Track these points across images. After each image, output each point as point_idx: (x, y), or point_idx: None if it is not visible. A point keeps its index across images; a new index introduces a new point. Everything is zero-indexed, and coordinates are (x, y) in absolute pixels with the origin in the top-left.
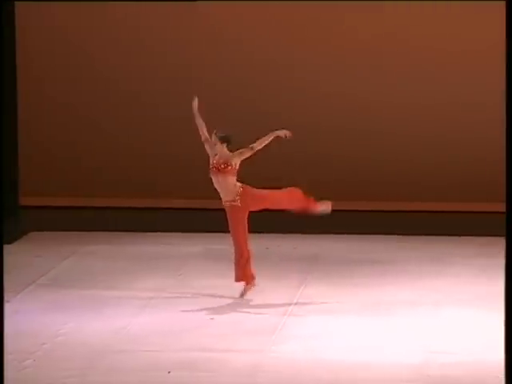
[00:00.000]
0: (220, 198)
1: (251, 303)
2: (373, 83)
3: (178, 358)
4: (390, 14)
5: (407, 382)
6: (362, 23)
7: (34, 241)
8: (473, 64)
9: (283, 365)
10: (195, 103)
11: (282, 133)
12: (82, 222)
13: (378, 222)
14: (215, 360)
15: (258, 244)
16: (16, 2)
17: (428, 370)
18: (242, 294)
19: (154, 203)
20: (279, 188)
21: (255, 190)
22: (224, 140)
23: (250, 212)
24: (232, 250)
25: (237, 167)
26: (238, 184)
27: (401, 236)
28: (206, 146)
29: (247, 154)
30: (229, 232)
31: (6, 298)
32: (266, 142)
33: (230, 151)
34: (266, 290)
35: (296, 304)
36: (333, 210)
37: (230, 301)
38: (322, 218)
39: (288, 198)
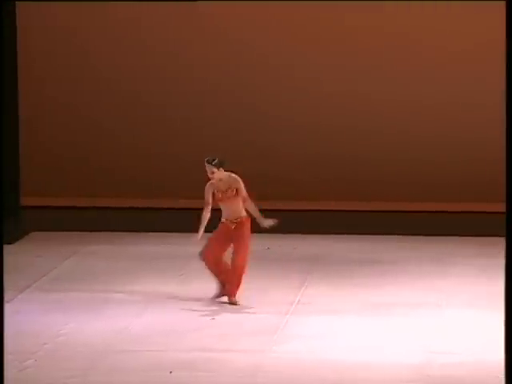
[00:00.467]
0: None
1: (252, 303)
2: (373, 83)
3: (179, 358)
4: (391, 14)
5: (407, 382)
6: (362, 23)
7: (35, 241)
8: (473, 64)
9: (284, 365)
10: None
11: (266, 223)
12: (84, 222)
13: (378, 222)
14: (216, 360)
15: (258, 244)
16: (17, 2)
17: (428, 370)
18: (234, 302)
19: (156, 203)
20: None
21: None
22: (219, 165)
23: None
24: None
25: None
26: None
27: (401, 236)
28: (210, 192)
29: (242, 192)
30: None
31: (6, 298)
32: (251, 210)
33: (226, 171)
34: (267, 290)
35: (296, 304)
36: (333, 210)
37: None
38: (322, 218)
39: (242, 260)
